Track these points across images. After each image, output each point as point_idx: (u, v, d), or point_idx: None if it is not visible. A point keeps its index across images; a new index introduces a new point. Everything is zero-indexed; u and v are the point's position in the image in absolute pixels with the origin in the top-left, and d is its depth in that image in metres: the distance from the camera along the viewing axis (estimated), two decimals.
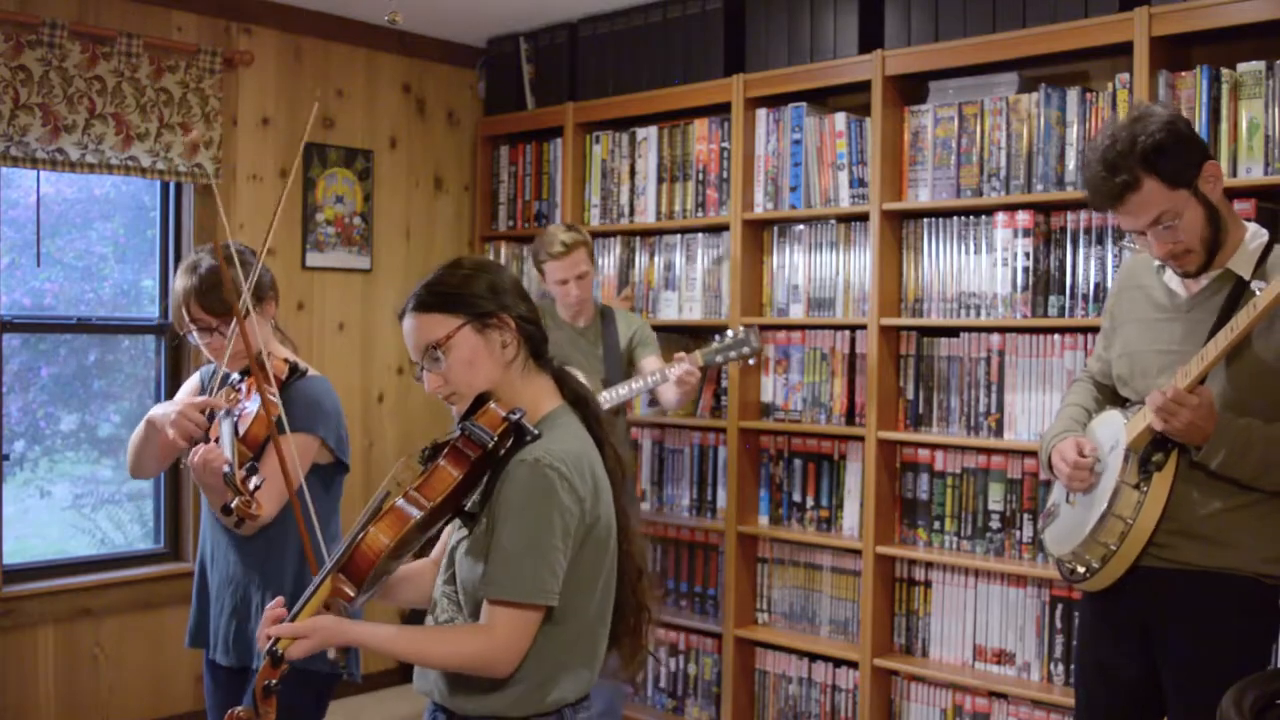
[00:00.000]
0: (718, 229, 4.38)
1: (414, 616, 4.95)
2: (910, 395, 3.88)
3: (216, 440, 2.49)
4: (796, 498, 4.17)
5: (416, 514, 1.87)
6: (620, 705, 4.03)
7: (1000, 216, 3.63)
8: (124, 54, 4.09)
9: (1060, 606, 3.53)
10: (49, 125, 3.94)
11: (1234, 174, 3.16)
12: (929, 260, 3.82)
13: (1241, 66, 3.16)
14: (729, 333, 3.76)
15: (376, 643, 1.92)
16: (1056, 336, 3.55)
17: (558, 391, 2.05)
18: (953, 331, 3.79)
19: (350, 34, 4.82)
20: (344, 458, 2.72)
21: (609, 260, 4.69)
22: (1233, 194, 3.12)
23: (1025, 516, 3.61)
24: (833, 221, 4.07)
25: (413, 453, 1.99)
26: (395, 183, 5.03)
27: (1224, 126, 3.18)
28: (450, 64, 5.19)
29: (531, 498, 1.86)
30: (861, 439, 3.92)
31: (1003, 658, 3.66)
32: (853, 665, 3.96)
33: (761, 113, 4.20)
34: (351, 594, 1.87)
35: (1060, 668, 3.53)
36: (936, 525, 3.82)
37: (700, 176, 4.41)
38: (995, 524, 3.67)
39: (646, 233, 4.61)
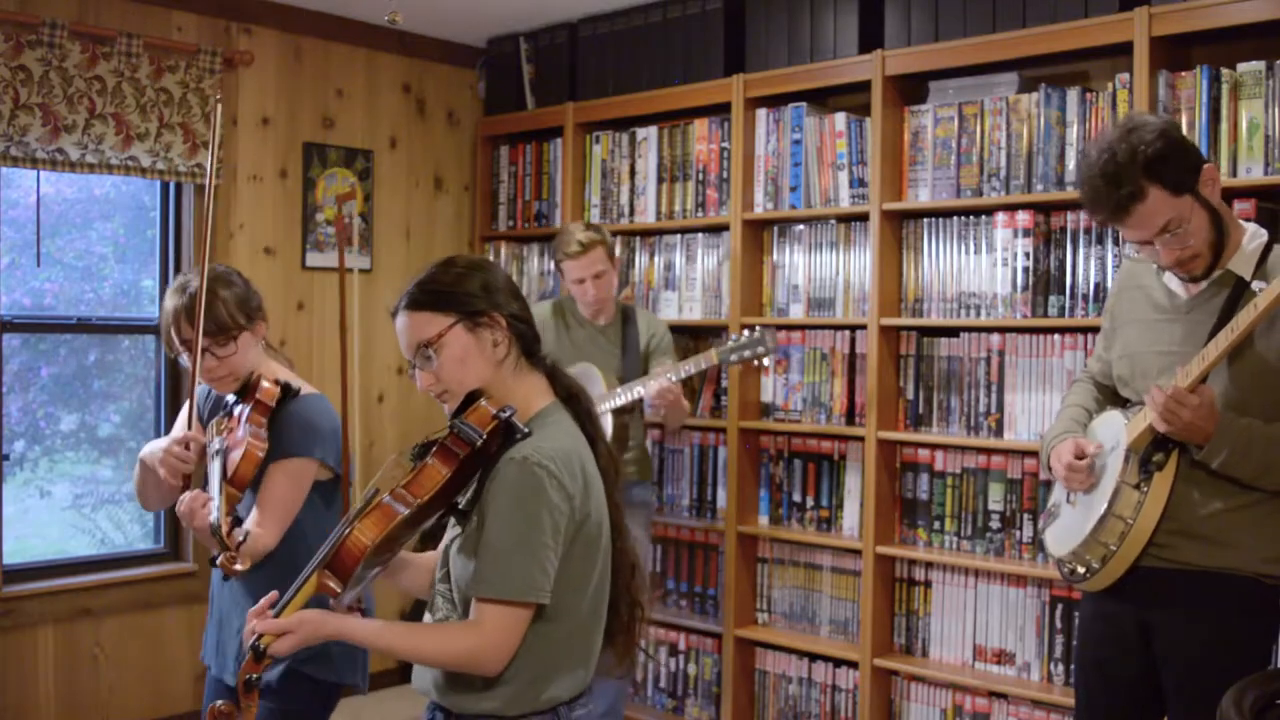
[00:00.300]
0: (718, 229, 4.38)
1: (416, 613, 4.96)
2: (910, 395, 3.88)
3: (206, 484, 2.48)
4: (796, 498, 4.17)
5: (402, 511, 1.88)
6: (622, 705, 4.03)
7: (1000, 216, 3.63)
8: (124, 54, 4.09)
9: (1060, 606, 3.53)
10: (49, 125, 3.94)
11: (1234, 174, 3.16)
12: (929, 260, 3.82)
13: (1241, 66, 3.16)
14: (745, 332, 3.75)
15: (364, 638, 1.92)
16: (1056, 336, 3.55)
17: (550, 389, 2.05)
18: (953, 331, 3.79)
19: (350, 34, 4.82)
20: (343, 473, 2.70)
21: None
22: (1233, 194, 3.12)
23: (1025, 516, 3.61)
24: (833, 221, 4.07)
25: (403, 450, 2.00)
26: (395, 183, 5.03)
27: (1224, 126, 3.18)
28: (450, 64, 5.19)
29: (520, 496, 1.86)
30: (861, 439, 3.92)
31: (1003, 658, 3.66)
32: (853, 665, 3.96)
33: (761, 113, 4.20)
34: (337, 590, 1.87)
35: (1060, 668, 3.53)
36: (936, 525, 3.82)
37: (700, 176, 4.41)
38: (995, 524, 3.67)
39: (646, 233, 4.61)
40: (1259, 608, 2.39)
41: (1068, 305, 3.51)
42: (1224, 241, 2.38)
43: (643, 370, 3.93)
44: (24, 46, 3.88)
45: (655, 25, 4.51)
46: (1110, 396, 2.66)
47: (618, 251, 4.66)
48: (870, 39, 3.91)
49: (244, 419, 2.54)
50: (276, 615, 1.89)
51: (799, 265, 4.15)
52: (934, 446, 3.82)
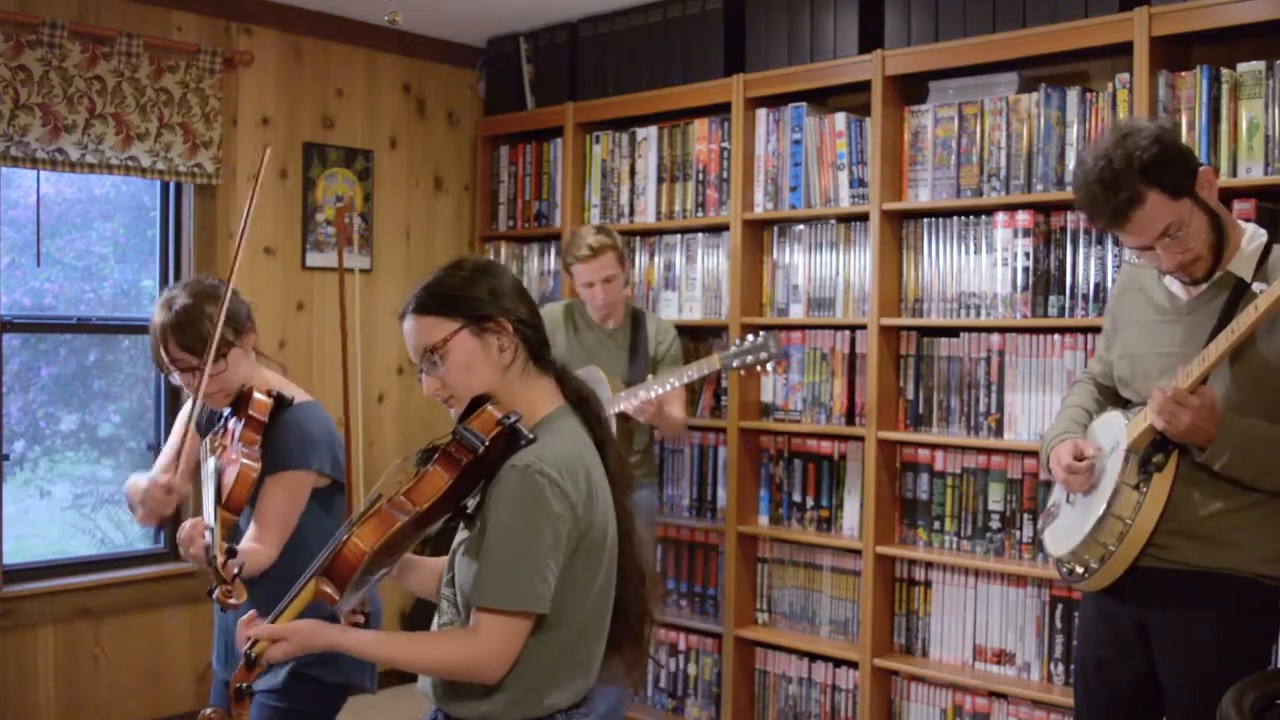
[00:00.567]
0: (718, 229, 4.38)
1: (416, 614, 4.95)
2: (910, 395, 3.88)
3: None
4: (796, 498, 4.17)
5: (401, 518, 1.86)
6: (624, 706, 4.03)
7: (1000, 216, 3.63)
8: (124, 54, 4.09)
9: (1060, 606, 3.53)
10: (49, 125, 3.94)
11: (1234, 174, 3.16)
12: (929, 260, 3.82)
13: (1241, 66, 3.16)
14: (748, 337, 3.74)
15: (361, 649, 1.91)
16: (1056, 336, 3.55)
17: (559, 393, 2.03)
18: (953, 331, 3.79)
19: (350, 34, 4.82)
20: (341, 479, 2.67)
21: None
22: (1233, 194, 3.13)
23: (1025, 516, 3.61)
24: (833, 221, 4.07)
25: (408, 455, 1.98)
26: (395, 183, 5.03)
27: (1224, 126, 3.18)
28: (450, 64, 5.19)
29: (520, 504, 1.84)
30: (861, 439, 3.92)
31: (1003, 658, 3.66)
32: (853, 665, 3.96)
33: (761, 113, 4.20)
34: (335, 597, 1.86)
35: (1060, 668, 3.53)
36: (936, 525, 3.82)
37: (700, 176, 4.41)
38: (995, 524, 3.67)
39: (646, 233, 4.61)
40: (1258, 608, 2.39)
41: (1068, 305, 3.51)
42: (1224, 243, 2.38)
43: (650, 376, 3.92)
44: (24, 46, 3.88)
45: (655, 25, 4.51)
46: (1111, 397, 2.66)
47: None
48: (870, 39, 3.91)
49: (237, 437, 2.52)
50: (271, 622, 1.88)
51: (799, 265, 4.15)
52: (934, 446, 3.82)
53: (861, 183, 3.95)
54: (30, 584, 4.08)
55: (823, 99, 4.21)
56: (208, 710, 1.86)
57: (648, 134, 4.56)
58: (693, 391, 4.40)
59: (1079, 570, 2.49)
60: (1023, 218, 3.58)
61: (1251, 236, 2.42)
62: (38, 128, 3.92)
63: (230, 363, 2.59)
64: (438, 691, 1.96)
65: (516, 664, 1.87)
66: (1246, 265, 2.39)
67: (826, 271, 4.08)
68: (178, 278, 4.44)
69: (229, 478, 2.45)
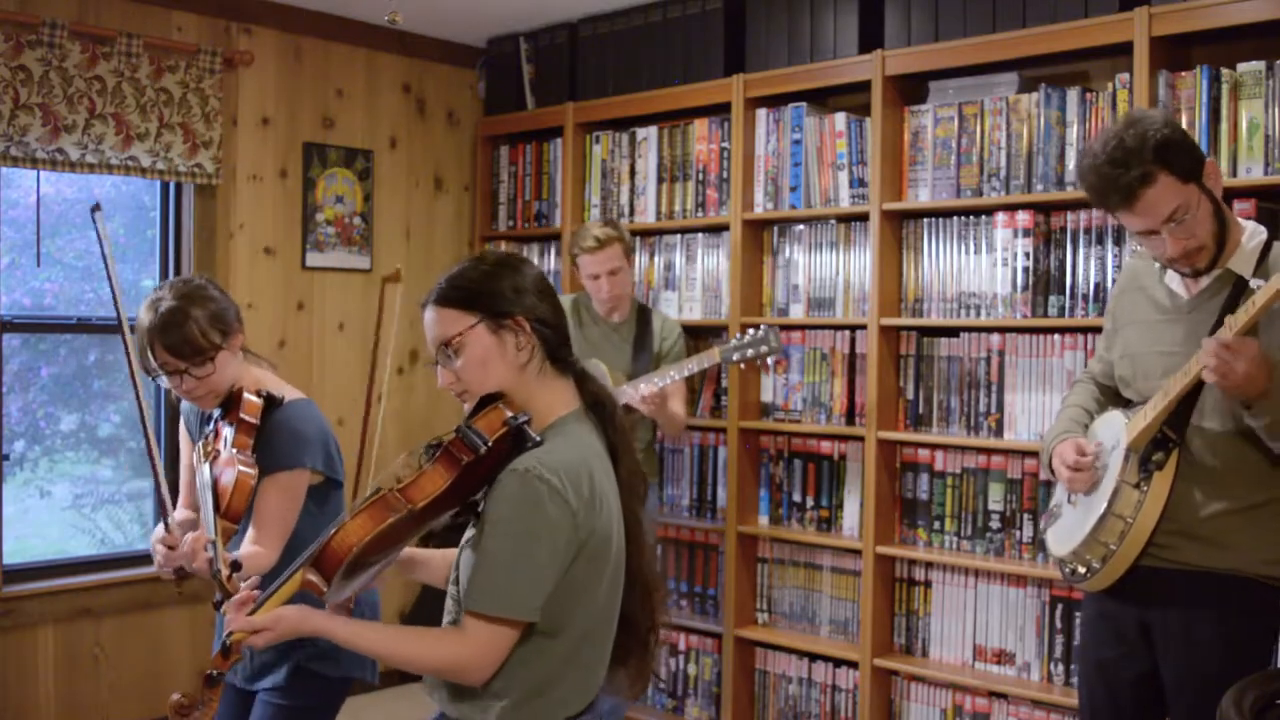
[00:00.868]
0: (718, 229, 4.38)
1: (416, 611, 4.95)
2: (910, 395, 3.88)
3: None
4: (796, 498, 4.17)
5: (394, 514, 1.84)
6: (624, 706, 4.03)
7: (1000, 216, 3.63)
8: (124, 54, 4.09)
9: (1060, 606, 3.53)
10: (49, 125, 3.94)
11: (1234, 174, 3.16)
12: (929, 260, 3.82)
13: (1241, 66, 3.16)
14: (750, 331, 3.75)
15: (346, 637, 1.88)
16: (1056, 336, 3.55)
17: (577, 395, 1.99)
18: (953, 331, 3.79)
19: (350, 34, 4.82)
20: (335, 475, 2.67)
21: None
22: (1233, 194, 3.12)
23: (1025, 516, 3.61)
24: (833, 221, 4.07)
25: (415, 449, 1.95)
26: (395, 183, 5.03)
27: (1224, 126, 3.18)
28: (450, 64, 5.19)
29: (517, 509, 1.81)
30: (861, 439, 3.92)
31: (1003, 658, 3.66)
32: (853, 665, 3.96)
33: (761, 113, 4.20)
34: (322, 588, 1.84)
35: (1060, 668, 3.53)
36: (936, 525, 3.82)
37: (700, 176, 4.41)
38: (995, 524, 3.67)
39: (646, 233, 4.61)
40: (1259, 608, 2.39)
41: (1068, 305, 3.51)
42: (1225, 237, 2.38)
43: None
44: (24, 46, 3.88)
45: (655, 25, 4.51)
46: (1112, 397, 2.65)
47: None
48: (870, 39, 3.91)
49: (230, 442, 2.50)
50: (254, 611, 1.87)
51: (799, 265, 4.15)
52: (934, 446, 3.82)
53: (861, 183, 3.95)
54: (30, 584, 4.08)
55: (823, 99, 4.21)
56: (176, 696, 1.85)
57: (648, 134, 4.56)
58: (693, 391, 4.40)
59: (1081, 570, 2.49)
60: (1023, 218, 3.58)
61: (1252, 234, 2.42)
62: (38, 128, 3.92)
63: (218, 365, 2.56)
64: (441, 694, 1.94)
65: (517, 670, 1.85)
66: (1247, 262, 2.39)
67: (826, 271, 4.08)
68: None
69: (225, 484, 2.43)
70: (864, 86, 3.91)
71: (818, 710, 4.09)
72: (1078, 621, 3.48)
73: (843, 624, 4.05)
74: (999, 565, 3.62)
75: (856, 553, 3.96)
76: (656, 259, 4.57)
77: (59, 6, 4.01)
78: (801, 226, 4.16)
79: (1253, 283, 2.32)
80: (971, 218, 3.72)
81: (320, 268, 4.78)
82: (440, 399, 5.14)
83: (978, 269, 3.70)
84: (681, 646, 4.47)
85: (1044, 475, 3.53)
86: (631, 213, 4.62)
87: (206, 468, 2.48)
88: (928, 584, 3.85)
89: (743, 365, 3.80)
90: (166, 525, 2.52)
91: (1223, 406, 2.35)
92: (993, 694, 3.65)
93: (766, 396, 4.25)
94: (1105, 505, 2.41)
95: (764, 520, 4.25)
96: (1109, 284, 3.42)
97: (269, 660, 2.61)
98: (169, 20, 4.30)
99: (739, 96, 4.21)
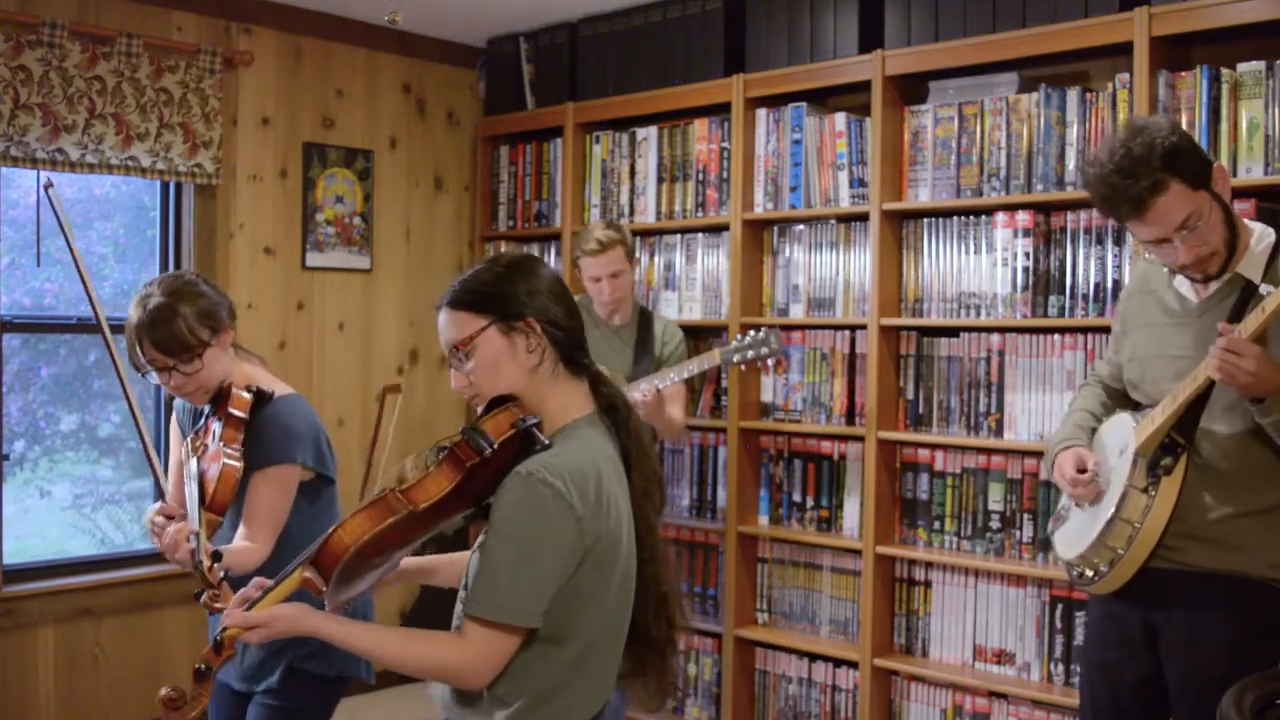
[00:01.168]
0: (718, 229, 4.38)
1: (414, 617, 4.95)
2: (910, 395, 3.88)
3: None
4: (796, 498, 4.17)
5: (394, 515, 1.82)
6: (625, 706, 4.03)
7: (1000, 216, 3.63)
8: (124, 54, 4.09)
9: (1060, 606, 3.53)
10: (49, 125, 3.94)
11: (1234, 174, 3.15)
12: (929, 260, 3.82)
13: (1241, 66, 3.16)
14: (751, 332, 3.74)
15: (342, 638, 1.86)
16: (1056, 336, 3.54)
17: (591, 399, 1.96)
18: (953, 331, 3.79)
19: (350, 34, 4.82)
20: (325, 471, 2.66)
21: None
22: (1233, 194, 3.11)
23: (1025, 516, 3.61)
24: (833, 221, 4.07)
25: (423, 450, 1.92)
26: (395, 183, 5.03)
27: (1224, 126, 3.18)
28: (450, 64, 5.19)
29: (520, 514, 1.78)
30: (861, 439, 3.92)
31: (1003, 658, 3.66)
32: (853, 665, 3.96)
33: (761, 113, 4.20)
34: (321, 587, 1.82)
35: (1060, 668, 3.53)
36: (936, 525, 3.82)
37: (700, 176, 4.41)
38: (995, 524, 3.67)
39: (646, 233, 4.61)
40: (1265, 610, 2.38)
41: (1068, 305, 3.51)
42: (1235, 241, 2.37)
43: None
44: (24, 46, 3.88)
45: (655, 25, 4.51)
46: (1120, 399, 2.64)
47: None
48: (870, 39, 3.91)
49: (218, 436, 2.50)
50: (250, 607, 1.86)
51: (799, 265, 4.15)
52: (934, 446, 3.82)
53: (861, 183, 3.95)
54: (30, 584, 4.08)
55: (823, 99, 4.21)
56: (165, 690, 1.85)
57: (648, 134, 4.56)
58: (693, 391, 4.40)
59: (1089, 574, 2.48)
60: (1023, 218, 3.58)
61: (1260, 236, 2.40)
62: (38, 128, 3.92)
63: (206, 361, 2.55)
64: (446, 699, 1.93)
65: (522, 677, 1.83)
66: (1255, 266, 2.37)
67: (826, 271, 4.08)
68: None
69: (211, 477, 2.43)
70: (864, 86, 3.91)
71: (818, 710, 4.09)
72: (1078, 622, 3.48)
73: (843, 624, 4.05)
74: (999, 565, 3.61)
75: (856, 553, 3.96)
76: (656, 259, 4.57)
77: (59, 6, 4.01)
78: (801, 226, 4.16)
79: (1263, 288, 2.30)
80: (971, 218, 3.72)
81: (320, 268, 4.77)
82: (440, 399, 5.14)
83: (978, 269, 3.70)
84: (681, 646, 4.46)
85: (1044, 476, 3.53)
86: (631, 213, 4.62)
87: (194, 462, 2.48)
88: (928, 584, 3.85)
89: (743, 367, 3.80)
90: (162, 495, 2.52)
91: (1233, 409, 2.34)
92: (993, 694, 3.65)
93: (766, 396, 4.25)
94: (1113, 510, 2.40)
95: (764, 520, 4.25)
96: (1109, 284, 3.42)
97: (262, 661, 2.61)
98: (169, 20, 4.30)
99: (739, 96, 4.20)
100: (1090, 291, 3.47)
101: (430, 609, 4.78)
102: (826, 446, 4.10)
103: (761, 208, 4.20)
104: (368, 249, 4.91)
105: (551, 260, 4.94)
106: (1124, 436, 2.47)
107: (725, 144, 4.32)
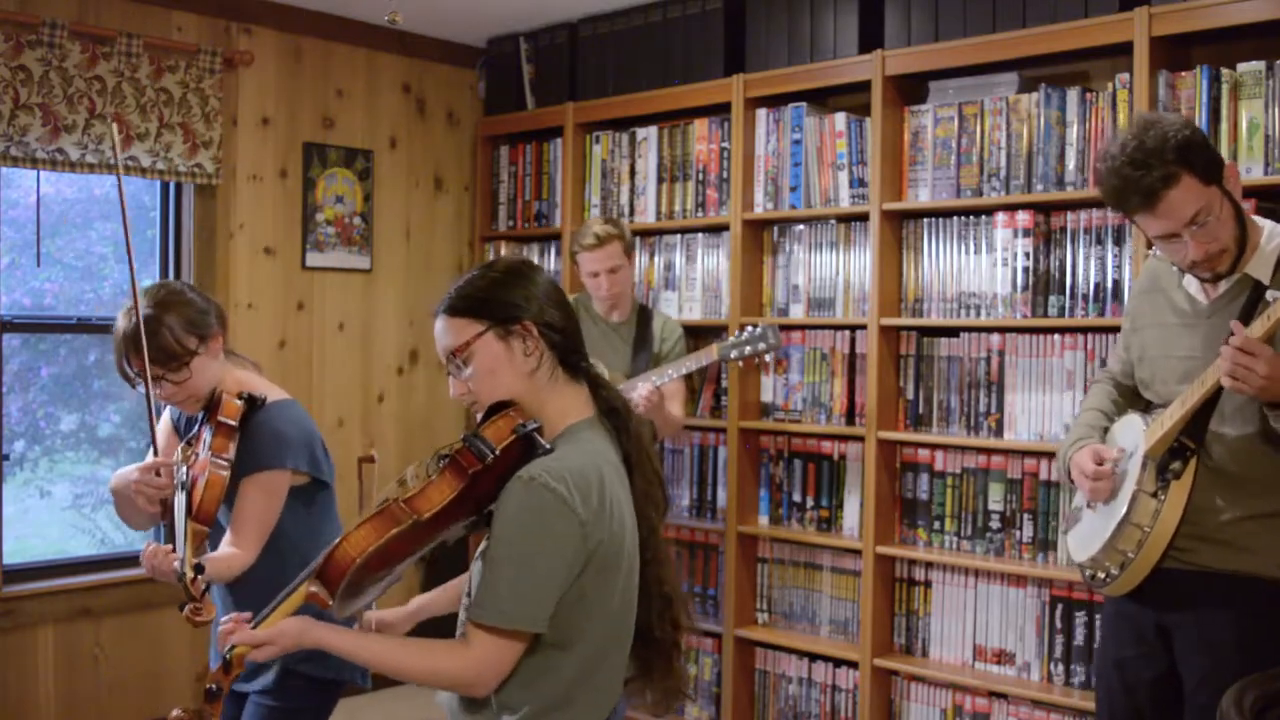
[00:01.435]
0: (718, 229, 4.38)
1: (425, 627, 4.94)
2: (910, 395, 3.88)
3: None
4: (796, 498, 4.17)
5: (398, 525, 1.81)
6: (624, 706, 4.02)
7: (1000, 216, 3.63)
8: (124, 54, 4.09)
9: (1060, 606, 3.53)
10: (49, 125, 3.94)
11: None
12: (929, 260, 3.82)
13: (1241, 66, 3.16)
14: (748, 328, 3.74)
15: (347, 649, 1.86)
16: (1056, 336, 3.54)
17: (591, 402, 1.95)
18: (953, 331, 3.79)
19: (350, 34, 4.82)
20: (320, 476, 2.64)
21: None
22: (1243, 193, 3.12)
23: (1025, 516, 3.61)
24: (833, 221, 4.07)
25: (423, 460, 1.92)
26: (395, 183, 5.03)
27: (1224, 126, 3.18)
28: (450, 64, 5.19)
29: (522, 519, 1.77)
30: (861, 439, 3.92)
31: (1003, 658, 3.66)
32: (853, 665, 3.96)
33: (761, 113, 4.20)
34: (327, 601, 1.82)
35: (1060, 668, 3.53)
36: (936, 525, 3.81)
37: (700, 176, 4.41)
38: (995, 524, 3.67)
39: (646, 233, 4.61)
40: (1276, 611, 2.38)
41: (1068, 305, 3.51)
42: (1245, 240, 2.36)
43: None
44: (24, 46, 3.88)
45: (655, 25, 4.51)
46: (1131, 397, 2.64)
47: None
48: (870, 39, 3.91)
49: (208, 444, 2.48)
50: (257, 624, 1.85)
51: (799, 265, 4.15)
52: (934, 446, 3.82)
53: (861, 183, 3.95)
54: (30, 584, 4.08)
55: (823, 99, 4.21)
56: (175, 712, 1.84)
57: (648, 134, 4.56)
58: (692, 390, 4.40)
59: (1101, 576, 2.48)
60: (1023, 218, 3.57)
61: (1270, 235, 2.39)
62: (38, 128, 3.92)
63: (194, 370, 2.53)
64: (452, 705, 1.92)
65: (528, 683, 1.83)
66: (1265, 266, 2.36)
67: (826, 271, 4.08)
68: (177, 277, 4.44)
69: (199, 487, 2.41)
70: (864, 86, 3.91)
71: (818, 710, 4.08)
72: (1078, 622, 3.48)
73: (843, 624, 4.05)
74: (999, 565, 3.61)
75: (856, 553, 3.96)
76: (656, 259, 4.57)
77: (59, 6, 4.01)
78: (801, 226, 4.15)
79: (1269, 294, 2.28)
80: (971, 218, 3.72)
81: (320, 268, 4.77)
82: (440, 400, 5.14)
83: (978, 269, 3.70)
84: (681, 646, 4.46)
85: (1051, 476, 3.54)
86: (631, 213, 4.62)
87: (184, 470, 2.47)
88: (928, 584, 3.85)
89: (741, 363, 3.80)
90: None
91: (1243, 412, 2.34)
92: (993, 694, 3.65)
93: (766, 396, 4.25)
94: (1123, 513, 2.40)
95: (764, 520, 4.25)
96: (1109, 284, 3.42)
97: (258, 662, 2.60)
98: (169, 20, 4.30)
99: (739, 96, 4.20)
100: (1090, 291, 3.47)
101: (432, 618, 4.77)
102: (826, 446, 4.10)
103: (761, 208, 4.20)
104: (368, 249, 4.91)
105: (551, 260, 4.94)
106: (1135, 437, 2.47)
107: (725, 144, 4.32)
